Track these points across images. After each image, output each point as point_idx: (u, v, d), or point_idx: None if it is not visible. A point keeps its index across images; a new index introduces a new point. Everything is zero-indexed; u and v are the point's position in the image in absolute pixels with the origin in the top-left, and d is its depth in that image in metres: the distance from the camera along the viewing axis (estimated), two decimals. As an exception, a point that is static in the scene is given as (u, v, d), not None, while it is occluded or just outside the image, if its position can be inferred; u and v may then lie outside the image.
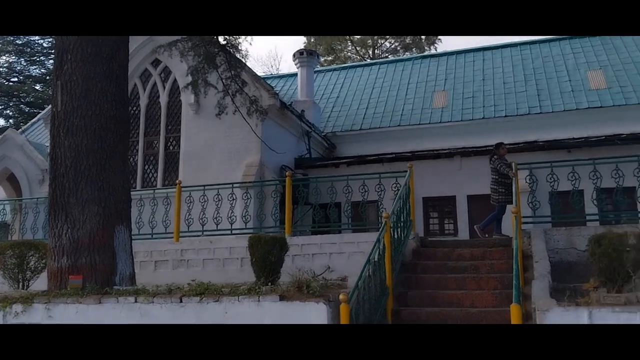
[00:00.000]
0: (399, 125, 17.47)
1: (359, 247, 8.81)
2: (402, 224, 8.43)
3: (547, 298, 5.42)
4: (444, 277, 7.81)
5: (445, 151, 15.35)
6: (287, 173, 10.29)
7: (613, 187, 8.25)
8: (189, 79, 11.94)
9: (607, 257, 5.45)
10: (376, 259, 6.98)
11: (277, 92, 18.02)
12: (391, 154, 15.76)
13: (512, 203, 8.36)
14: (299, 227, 11.73)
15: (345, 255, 8.91)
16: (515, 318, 5.20)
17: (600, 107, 15.64)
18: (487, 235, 9.49)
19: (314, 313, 5.86)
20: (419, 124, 17.31)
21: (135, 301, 6.60)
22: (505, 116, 16.39)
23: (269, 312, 5.99)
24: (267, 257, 6.67)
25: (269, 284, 6.60)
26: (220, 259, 9.59)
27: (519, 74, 18.18)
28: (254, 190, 11.06)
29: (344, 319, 5.64)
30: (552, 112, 16.12)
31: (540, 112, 16.23)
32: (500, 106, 16.96)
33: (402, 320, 7.07)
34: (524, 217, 8.62)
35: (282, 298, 6.04)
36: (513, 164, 8.92)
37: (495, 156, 9.53)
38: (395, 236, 7.97)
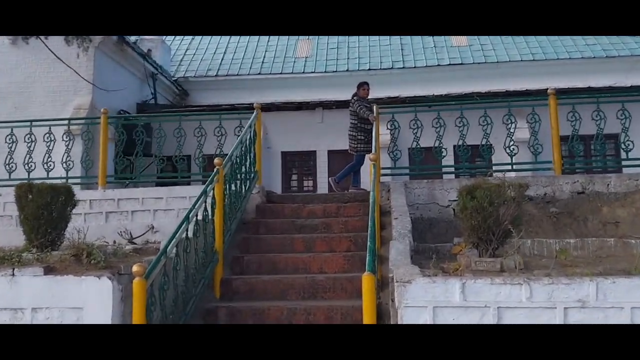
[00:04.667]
0: (259, 74, 15.63)
1: (191, 202, 6.98)
2: (243, 174, 6.74)
3: (408, 265, 4.04)
4: (291, 238, 6.30)
5: (306, 102, 13.94)
6: (102, 110, 8.08)
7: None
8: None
9: (482, 212, 4.17)
10: (201, 217, 5.25)
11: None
12: (250, 104, 13.89)
13: (372, 152, 7.01)
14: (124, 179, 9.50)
15: (174, 212, 7.05)
16: (367, 290, 3.77)
17: (461, 64, 15.02)
18: (345, 190, 8.09)
19: (94, 292, 4.00)
20: (281, 73, 15.61)
21: None
22: (369, 69, 15.22)
23: (28, 290, 4.01)
24: (41, 213, 4.63)
25: (45, 249, 4.59)
26: (13, 215, 7.27)
27: (384, 27, 17.06)
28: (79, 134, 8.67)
29: (137, 299, 3.86)
30: (415, 67, 15.26)
31: (403, 67, 15.32)
32: (364, 59, 15.78)
33: (232, 292, 5.46)
34: (382, 168, 7.35)
35: (49, 271, 4.08)
36: (374, 107, 7.56)
37: (355, 97, 8.09)
38: (233, 189, 6.28)
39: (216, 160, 5.65)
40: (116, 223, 7.07)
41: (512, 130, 6.96)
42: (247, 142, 6.90)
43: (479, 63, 15.00)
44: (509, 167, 7.05)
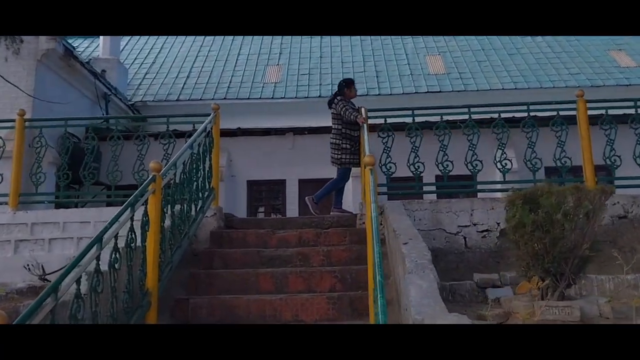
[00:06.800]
0: (225, 99, 14.05)
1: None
2: (194, 192, 5.07)
3: (448, 314, 2.41)
4: (255, 274, 4.61)
5: (275, 128, 12.42)
6: (18, 111, 6.31)
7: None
8: None
9: (551, 231, 2.60)
10: (123, 243, 3.54)
11: (79, 52, 13.81)
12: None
13: (359, 165, 5.50)
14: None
15: (105, 240, 5.27)
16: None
17: (439, 91, 13.84)
18: (318, 212, 6.30)
19: None
20: (249, 98, 14.13)
21: None
22: (343, 96, 13.89)
23: None
24: None
25: None
26: None
27: (357, 54, 15.92)
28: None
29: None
30: (391, 94, 14.02)
31: (379, 94, 14.07)
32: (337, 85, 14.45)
33: (171, 351, 3.70)
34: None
35: None
36: (363, 109, 6.05)
37: (338, 97, 6.55)
38: (177, 207, 4.59)
39: (152, 165, 3.98)
40: (28, 255, 5.26)
41: (533, 140, 5.53)
42: (201, 149, 5.24)
43: (457, 91, 13.86)
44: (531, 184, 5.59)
